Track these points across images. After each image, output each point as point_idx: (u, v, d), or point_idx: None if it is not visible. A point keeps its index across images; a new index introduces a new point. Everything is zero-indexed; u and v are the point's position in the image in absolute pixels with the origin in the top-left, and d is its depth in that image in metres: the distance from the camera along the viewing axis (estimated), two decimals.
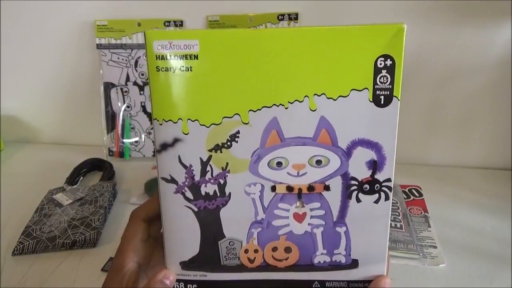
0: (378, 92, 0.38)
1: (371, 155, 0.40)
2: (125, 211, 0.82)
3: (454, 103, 0.94)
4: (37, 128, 1.14)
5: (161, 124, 0.40)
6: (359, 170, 0.40)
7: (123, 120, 1.02)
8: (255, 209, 0.42)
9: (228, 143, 0.40)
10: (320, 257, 0.43)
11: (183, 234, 0.43)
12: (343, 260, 0.43)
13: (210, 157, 0.41)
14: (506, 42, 0.86)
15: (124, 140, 1.02)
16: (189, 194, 0.42)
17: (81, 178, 0.93)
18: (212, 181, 0.41)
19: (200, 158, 0.41)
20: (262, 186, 0.41)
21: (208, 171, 0.41)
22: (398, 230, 0.72)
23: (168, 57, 0.38)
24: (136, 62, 0.99)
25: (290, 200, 0.42)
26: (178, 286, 0.44)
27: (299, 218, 0.42)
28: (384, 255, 0.43)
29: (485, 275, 0.64)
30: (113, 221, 0.79)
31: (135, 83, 1.00)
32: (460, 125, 0.95)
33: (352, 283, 0.44)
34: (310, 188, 0.41)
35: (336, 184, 0.41)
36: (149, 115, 1.02)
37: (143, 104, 1.01)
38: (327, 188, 0.41)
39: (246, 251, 0.43)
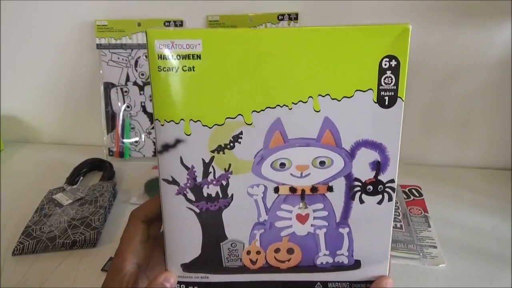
0: (382, 93, 0.38)
1: (374, 156, 0.40)
2: (125, 211, 0.82)
3: (454, 103, 0.94)
4: (37, 128, 1.14)
5: (162, 125, 0.40)
6: (362, 171, 0.40)
7: (123, 120, 1.01)
8: (258, 211, 0.42)
9: (231, 144, 0.40)
10: (323, 258, 0.43)
11: (184, 236, 0.43)
12: (346, 261, 0.43)
13: (212, 158, 0.40)
14: (506, 42, 0.86)
15: (124, 140, 1.02)
16: (191, 196, 0.41)
17: (81, 178, 0.93)
18: (214, 182, 0.41)
19: (203, 159, 0.40)
20: (265, 187, 0.41)
21: (211, 172, 0.41)
22: (398, 230, 0.72)
23: (170, 56, 0.38)
24: (136, 62, 0.99)
25: (293, 201, 0.41)
26: None
27: (302, 219, 0.42)
28: (387, 256, 0.43)
29: (485, 275, 0.64)
30: (113, 221, 0.79)
31: (135, 83, 1.00)
32: (460, 125, 0.95)
33: (355, 283, 0.44)
34: (313, 189, 0.41)
35: (340, 185, 0.41)
36: (149, 115, 1.02)
37: (143, 104, 1.01)
38: (330, 189, 0.41)
39: (248, 252, 0.43)
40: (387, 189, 0.41)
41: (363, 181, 0.41)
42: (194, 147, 0.40)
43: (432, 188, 0.87)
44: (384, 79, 0.38)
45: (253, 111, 0.39)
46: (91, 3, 0.98)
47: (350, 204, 0.41)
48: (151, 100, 0.96)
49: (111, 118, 1.02)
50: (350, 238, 0.42)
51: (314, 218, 0.42)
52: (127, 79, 1.00)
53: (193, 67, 0.38)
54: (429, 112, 0.95)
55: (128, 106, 1.01)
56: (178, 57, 0.38)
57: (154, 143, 1.00)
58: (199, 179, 0.41)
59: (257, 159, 0.40)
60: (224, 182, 0.41)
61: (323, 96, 0.38)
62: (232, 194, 0.41)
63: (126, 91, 1.00)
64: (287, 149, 0.40)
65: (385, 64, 0.38)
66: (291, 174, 0.41)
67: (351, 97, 0.38)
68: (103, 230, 0.75)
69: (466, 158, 0.98)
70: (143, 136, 1.02)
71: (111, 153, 1.03)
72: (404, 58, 0.37)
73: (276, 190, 0.41)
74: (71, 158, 0.98)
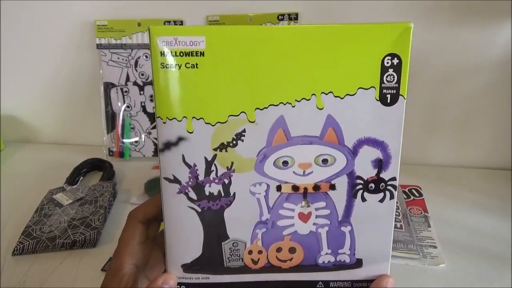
0: (384, 90, 0.38)
1: (377, 154, 0.40)
2: (125, 211, 0.81)
3: (454, 103, 0.94)
4: (37, 128, 1.14)
5: (164, 123, 0.39)
6: (364, 169, 0.40)
7: (123, 120, 1.01)
8: (260, 209, 0.41)
9: (234, 142, 0.40)
10: (325, 257, 0.43)
11: (185, 236, 0.42)
12: (348, 260, 0.43)
13: (215, 156, 0.40)
14: (506, 42, 0.86)
15: (124, 140, 1.02)
16: (192, 195, 0.41)
17: (81, 178, 0.93)
18: (216, 181, 0.41)
19: (205, 158, 0.40)
20: (268, 185, 0.41)
21: (213, 170, 0.40)
22: (398, 230, 0.72)
23: (173, 53, 0.38)
24: (136, 62, 0.99)
25: (295, 199, 0.41)
26: None
27: (304, 218, 0.42)
28: (388, 254, 0.43)
29: (485, 275, 0.64)
30: (113, 221, 0.79)
31: (135, 83, 1.00)
32: (460, 125, 0.95)
33: (356, 282, 0.44)
34: (316, 187, 0.41)
35: (342, 183, 0.41)
36: (149, 115, 1.02)
37: (143, 104, 1.01)
38: (332, 187, 0.41)
39: (250, 252, 0.43)
40: (388, 187, 0.41)
41: (365, 179, 0.41)
42: (197, 145, 0.40)
43: (432, 188, 0.87)
44: (386, 77, 0.38)
45: (256, 108, 0.39)
46: (91, 3, 0.98)
47: (352, 202, 0.41)
48: (151, 100, 0.98)
49: (111, 118, 1.02)
50: (352, 236, 0.42)
51: (316, 216, 0.42)
52: (127, 79, 1.00)
53: (196, 64, 0.38)
54: (429, 112, 0.95)
55: (128, 106, 1.01)
56: (181, 54, 0.38)
57: (154, 143, 1.00)
58: (201, 177, 0.41)
59: (260, 157, 0.40)
60: (226, 181, 0.41)
61: (326, 94, 0.38)
62: (235, 193, 0.41)
63: (126, 91, 1.00)
64: (290, 147, 0.40)
65: (387, 62, 0.38)
66: (293, 172, 0.40)
67: (354, 94, 0.38)
68: (103, 230, 0.75)
69: (466, 158, 0.98)
70: (143, 136, 1.02)
71: (111, 153, 1.03)
72: (406, 56, 0.38)
73: (279, 188, 0.41)
74: (71, 158, 0.98)
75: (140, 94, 1.00)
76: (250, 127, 0.39)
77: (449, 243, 0.70)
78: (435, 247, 0.69)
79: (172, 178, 0.41)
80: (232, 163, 0.40)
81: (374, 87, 0.38)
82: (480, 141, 0.96)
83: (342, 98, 0.38)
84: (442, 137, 0.97)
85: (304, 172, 0.40)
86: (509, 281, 0.63)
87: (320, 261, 0.43)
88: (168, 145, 0.40)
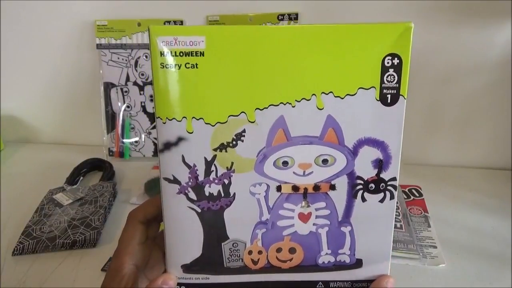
0: (385, 91, 0.38)
1: (377, 154, 0.40)
2: (125, 211, 0.81)
3: (454, 103, 0.94)
4: (37, 128, 1.14)
5: (164, 123, 0.39)
6: (365, 169, 0.40)
7: (123, 120, 1.01)
8: (260, 210, 0.41)
9: (234, 142, 0.40)
10: (325, 257, 0.43)
11: (185, 236, 0.42)
12: (348, 260, 0.43)
13: (214, 157, 0.40)
14: (506, 42, 0.86)
15: (124, 140, 1.02)
16: (192, 195, 0.41)
17: (81, 178, 0.93)
18: (216, 181, 0.41)
19: (205, 158, 0.40)
20: (268, 186, 0.41)
21: (213, 171, 0.40)
22: (398, 230, 0.72)
23: (173, 53, 0.37)
24: (136, 62, 0.99)
25: (295, 200, 0.41)
26: None
27: (304, 218, 0.42)
28: (388, 254, 0.43)
29: (485, 275, 0.64)
30: (113, 221, 0.79)
31: (135, 83, 1.00)
32: (460, 125, 0.95)
33: (356, 283, 0.44)
34: (316, 187, 0.41)
35: (342, 183, 0.41)
36: (149, 115, 1.01)
37: (143, 104, 1.01)
38: (332, 187, 0.41)
39: (250, 252, 0.43)
40: (389, 187, 0.41)
41: (365, 179, 0.41)
42: (196, 145, 0.40)
43: (432, 188, 0.87)
44: (387, 77, 0.38)
45: (256, 108, 0.39)
46: (91, 3, 0.98)
47: (352, 203, 0.41)
48: (151, 100, 0.98)
49: (111, 118, 1.02)
50: (352, 236, 0.42)
51: (317, 217, 0.42)
52: (127, 79, 1.00)
53: (196, 64, 0.38)
54: (429, 112, 0.95)
55: (128, 106, 1.01)
56: (181, 54, 0.37)
57: (154, 143, 1.00)
58: (201, 178, 0.41)
59: (260, 158, 0.40)
60: (226, 181, 0.41)
61: (326, 94, 0.38)
62: (234, 193, 0.41)
63: (126, 91, 1.00)
64: (290, 147, 0.40)
65: (388, 62, 0.38)
66: (293, 172, 0.40)
67: (354, 94, 0.38)
68: (103, 230, 0.75)
69: (466, 158, 0.98)
70: (143, 136, 1.02)
71: (111, 153, 1.03)
72: (406, 56, 0.38)
73: (279, 188, 0.41)
74: (71, 158, 0.98)
75: (140, 94, 1.00)
76: (250, 127, 0.39)
77: (449, 243, 0.70)
78: (435, 247, 0.69)
79: (172, 178, 0.41)
80: (232, 163, 0.40)
81: (375, 87, 0.38)
82: (480, 141, 0.96)
83: (342, 98, 0.38)
84: (442, 137, 0.97)
85: (304, 172, 0.40)
86: (509, 281, 0.63)
87: (320, 261, 0.43)
88: (168, 145, 0.40)
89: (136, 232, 0.44)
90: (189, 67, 0.38)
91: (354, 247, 0.43)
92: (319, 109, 0.39)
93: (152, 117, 1.01)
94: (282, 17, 0.94)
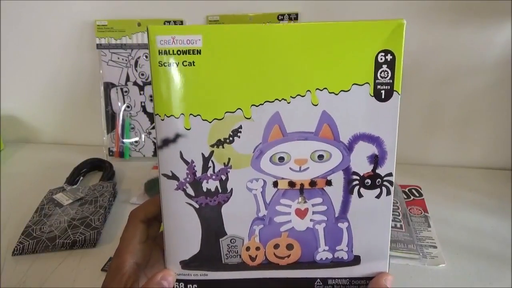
0: (379, 86, 0.39)
1: (372, 149, 0.40)
2: (125, 211, 0.82)
3: (454, 103, 0.94)
4: (37, 128, 1.14)
5: (162, 120, 0.40)
6: (360, 164, 0.41)
7: (123, 120, 1.02)
8: (257, 205, 0.42)
9: (230, 138, 0.40)
10: (322, 253, 0.43)
11: (183, 232, 0.43)
12: (345, 257, 0.43)
13: (212, 153, 0.40)
14: (506, 42, 0.86)
15: (124, 140, 1.02)
16: (190, 191, 0.42)
17: (81, 178, 0.93)
18: (214, 177, 0.41)
19: (202, 154, 0.41)
20: (264, 181, 0.41)
21: (210, 167, 0.41)
22: (398, 230, 0.72)
23: (171, 52, 0.38)
24: (136, 62, 0.99)
25: (292, 195, 0.41)
26: (178, 287, 0.44)
27: (301, 214, 0.42)
28: (386, 252, 0.43)
29: (485, 275, 0.64)
30: (113, 221, 0.79)
31: (135, 83, 1.00)
32: (460, 125, 0.95)
33: (354, 280, 0.44)
34: (312, 183, 0.41)
35: (338, 179, 0.41)
36: (149, 115, 1.02)
37: (143, 104, 1.01)
38: (329, 183, 0.41)
39: (248, 248, 0.43)
40: (385, 183, 0.41)
41: (361, 174, 0.41)
42: (194, 142, 0.40)
43: (432, 188, 0.87)
44: (380, 73, 0.39)
45: (252, 105, 0.39)
46: (91, 3, 0.98)
47: (348, 198, 0.41)
48: (151, 100, 0.98)
49: (111, 118, 1.02)
50: (350, 233, 0.42)
51: (313, 212, 0.42)
52: (127, 79, 1.00)
53: (193, 62, 0.39)
54: (429, 112, 0.95)
55: (128, 106, 1.01)
56: (179, 53, 0.38)
57: (154, 143, 1.00)
58: (198, 173, 0.41)
59: (256, 153, 0.40)
60: (223, 177, 0.41)
61: (320, 90, 0.39)
62: (232, 189, 0.41)
63: (126, 91, 1.00)
64: (286, 143, 0.40)
65: (381, 58, 0.38)
66: (290, 168, 0.41)
67: (348, 90, 0.39)
68: (103, 230, 0.75)
69: (466, 158, 0.98)
70: (143, 136, 1.02)
71: (111, 153, 1.03)
72: (399, 53, 0.38)
73: (275, 184, 0.41)
74: (71, 158, 0.98)
75: (140, 94, 1.00)
76: (246, 124, 0.40)
77: (449, 243, 0.70)
78: (435, 247, 0.69)
79: (170, 174, 0.41)
80: (229, 159, 0.41)
81: (369, 83, 0.39)
82: (480, 141, 0.96)
83: (336, 94, 0.39)
84: (442, 137, 0.97)
85: (300, 168, 0.41)
86: (509, 281, 0.62)
87: (317, 257, 0.43)
88: (166, 142, 0.40)
89: (137, 231, 0.44)
90: (186, 65, 0.39)
91: (351, 243, 0.43)
92: (314, 105, 0.39)
93: (152, 117, 1.01)
94: (282, 17, 0.94)
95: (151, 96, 1.00)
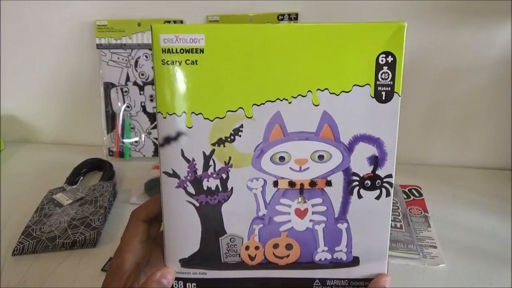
0: (379, 88, 0.39)
1: (372, 150, 0.40)
2: (125, 211, 0.82)
3: (454, 103, 0.94)
4: (37, 128, 1.14)
5: (164, 118, 0.40)
6: (360, 165, 0.41)
7: (123, 120, 1.02)
8: (257, 205, 0.42)
9: (232, 137, 0.40)
10: (321, 254, 0.43)
11: (183, 230, 0.43)
12: (344, 258, 0.43)
13: (213, 151, 0.41)
14: (506, 42, 0.86)
15: (124, 140, 1.02)
16: (191, 189, 0.42)
17: (81, 178, 0.93)
18: (214, 175, 0.41)
19: (203, 152, 0.41)
20: (265, 181, 0.41)
21: (211, 165, 0.41)
22: (398, 230, 0.72)
23: (174, 50, 0.39)
24: (136, 62, 0.99)
25: (292, 195, 0.42)
26: (177, 285, 0.44)
27: (301, 214, 0.42)
28: (385, 253, 0.43)
29: (485, 275, 0.64)
30: (113, 221, 0.79)
31: (135, 83, 1.00)
32: (460, 125, 0.95)
33: (353, 281, 0.44)
34: (312, 183, 0.41)
35: (338, 179, 0.41)
36: (149, 115, 1.02)
37: (143, 104, 1.01)
38: (329, 183, 0.41)
39: (247, 248, 0.43)
40: (385, 184, 0.41)
41: (361, 175, 0.41)
42: (195, 140, 0.40)
43: (432, 188, 0.87)
44: (381, 74, 0.39)
45: (254, 104, 0.40)
46: (91, 3, 0.98)
47: (348, 199, 0.41)
48: (151, 100, 0.98)
49: (111, 118, 1.02)
50: (349, 234, 0.42)
51: (313, 213, 0.42)
52: (127, 79, 1.00)
53: (196, 61, 0.39)
54: (429, 112, 0.95)
55: (128, 106, 1.01)
56: (182, 51, 0.39)
57: (154, 143, 1.00)
58: (199, 172, 0.41)
59: (257, 153, 0.40)
60: (224, 176, 0.41)
61: (322, 91, 0.39)
62: (232, 188, 0.41)
63: (126, 91, 1.00)
64: (286, 143, 0.40)
65: (382, 60, 0.39)
66: (290, 168, 0.41)
67: (349, 91, 0.39)
68: (103, 230, 0.75)
69: (466, 158, 0.98)
70: (143, 136, 1.02)
71: (111, 153, 1.03)
72: (400, 54, 0.38)
73: (275, 184, 0.41)
74: (71, 158, 0.98)
75: (140, 94, 1.00)
76: (247, 123, 0.40)
77: (449, 243, 0.70)
78: (435, 247, 0.69)
79: (171, 172, 0.41)
80: (230, 158, 0.41)
81: (369, 85, 0.39)
82: (480, 141, 0.96)
83: (337, 95, 0.39)
84: (442, 137, 0.97)
85: (300, 168, 0.41)
86: (509, 281, 0.62)
87: (316, 258, 0.43)
88: (168, 140, 0.41)
89: (138, 231, 0.45)
90: (189, 64, 0.39)
91: (350, 244, 0.43)
92: (314, 105, 0.39)
93: (152, 117, 1.01)
94: (282, 17, 0.94)
95: (151, 96, 1.00)
